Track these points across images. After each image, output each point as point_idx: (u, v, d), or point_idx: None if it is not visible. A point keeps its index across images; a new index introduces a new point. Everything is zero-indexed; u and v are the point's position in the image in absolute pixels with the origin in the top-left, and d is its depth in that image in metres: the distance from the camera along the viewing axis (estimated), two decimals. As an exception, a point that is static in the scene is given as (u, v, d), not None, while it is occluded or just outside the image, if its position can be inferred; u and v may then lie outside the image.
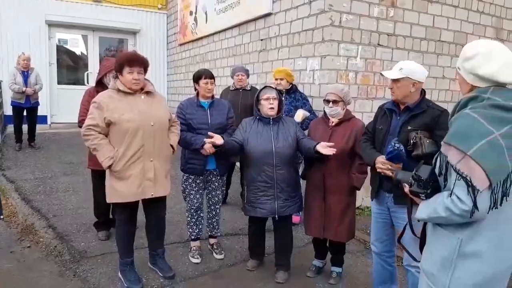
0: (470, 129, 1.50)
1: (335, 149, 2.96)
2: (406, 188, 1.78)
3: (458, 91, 6.37)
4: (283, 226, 3.44)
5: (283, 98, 4.53)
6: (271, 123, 3.31)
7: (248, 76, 5.16)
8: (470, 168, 1.47)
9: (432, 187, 1.66)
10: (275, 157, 3.21)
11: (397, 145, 2.44)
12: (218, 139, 3.17)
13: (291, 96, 4.61)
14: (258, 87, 5.40)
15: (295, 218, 4.68)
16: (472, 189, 1.47)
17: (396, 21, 5.28)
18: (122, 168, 2.97)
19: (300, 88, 5.36)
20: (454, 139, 1.53)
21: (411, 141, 2.46)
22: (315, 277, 3.54)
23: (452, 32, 5.79)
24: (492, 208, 1.50)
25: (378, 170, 2.61)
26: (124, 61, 2.98)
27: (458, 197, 1.50)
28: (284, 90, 4.59)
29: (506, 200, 1.52)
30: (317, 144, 3.05)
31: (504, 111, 1.52)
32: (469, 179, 1.47)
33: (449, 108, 6.07)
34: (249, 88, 5.06)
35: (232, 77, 5.14)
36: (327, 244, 3.53)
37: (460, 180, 1.50)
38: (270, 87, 3.43)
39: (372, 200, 2.88)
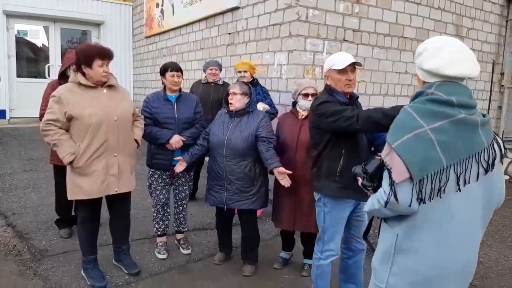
0: (402, 124, 1.52)
1: (290, 182, 3.03)
2: (359, 181, 1.79)
3: (420, 86, 6.59)
4: (246, 221, 3.46)
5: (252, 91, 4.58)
6: (234, 116, 3.35)
7: (221, 70, 5.14)
8: (392, 161, 1.49)
9: (378, 180, 1.66)
10: (225, 148, 3.25)
11: None
12: (182, 164, 3.42)
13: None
14: (227, 81, 5.39)
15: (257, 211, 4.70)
16: (391, 181, 1.49)
17: (361, 17, 5.38)
18: (84, 164, 2.89)
19: (268, 82, 5.39)
20: (388, 134, 1.56)
21: None
22: (282, 269, 3.58)
23: (414, 28, 5.96)
24: (420, 203, 1.48)
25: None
26: (95, 53, 2.88)
27: (383, 189, 1.53)
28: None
29: (440, 197, 1.48)
30: (275, 167, 3.07)
31: (443, 105, 1.49)
32: (390, 171, 1.49)
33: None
34: (221, 83, 5.05)
35: (205, 71, 5.08)
36: (300, 237, 3.57)
37: (385, 172, 1.53)
38: (239, 82, 3.45)
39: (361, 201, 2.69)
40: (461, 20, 6.53)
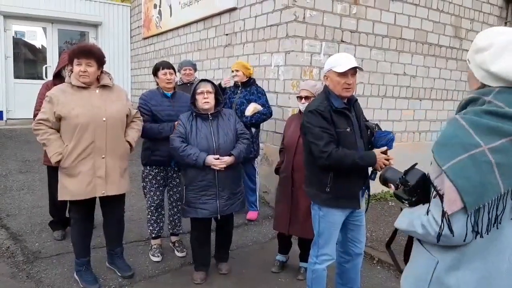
0: (454, 139, 1.25)
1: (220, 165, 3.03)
2: (392, 188, 1.59)
3: (419, 88, 6.52)
4: (228, 221, 3.41)
5: (238, 91, 4.57)
6: (210, 118, 3.17)
7: (195, 70, 5.10)
8: (443, 185, 1.25)
9: (418, 195, 1.45)
10: (216, 154, 3.07)
11: (387, 130, 2.51)
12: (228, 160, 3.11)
13: (247, 89, 4.59)
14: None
15: (252, 215, 4.67)
16: (443, 210, 1.26)
17: (359, 18, 5.34)
18: (70, 164, 2.86)
19: (265, 83, 5.35)
20: (436, 150, 1.29)
21: (376, 130, 2.54)
22: (278, 272, 3.52)
23: (412, 30, 5.92)
24: (476, 236, 1.25)
25: (382, 164, 2.42)
26: (72, 53, 2.90)
27: (433, 217, 1.29)
28: (240, 83, 4.58)
29: (497, 228, 1.24)
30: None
31: (503, 119, 1.21)
32: (442, 198, 1.26)
33: (410, 104, 6.13)
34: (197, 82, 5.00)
35: (179, 71, 5.01)
36: (297, 240, 3.52)
37: (436, 198, 1.29)
38: (205, 80, 3.24)
39: (355, 208, 2.64)
40: (459, 21, 6.50)
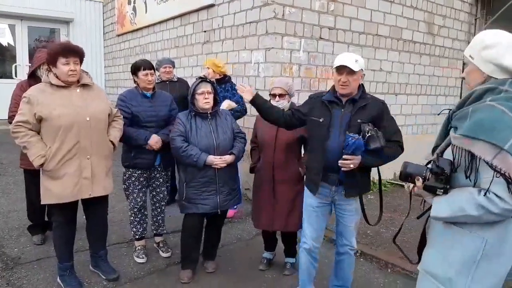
0: (499, 123, 1.41)
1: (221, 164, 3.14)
2: (419, 182, 1.64)
3: (394, 83, 6.63)
4: (221, 219, 3.47)
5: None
6: (209, 117, 3.24)
7: (174, 67, 5.07)
8: (509, 164, 1.38)
9: (451, 182, 1.57)
10: (216, 152, 3.15)
11: (355, 135, 2.43)
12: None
13: (222, 86, 4.59)
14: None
15: (230, 212, 4.66)
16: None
17: (336, 15, 5.41)
18: (55, 167, 2.77)
19: (245, 81, 5.35)
20: (483, 133, 1.43)
21: (367, 134, 2.44)
22: (266, 270, 3.54)
23: (388, 26, 6.04)
24: None
25: (343, 165, 2.49)
26: (58, 51, 2.78)
27: (497, 196, 1.42)
28: (214, 80, 4.56)
29: None
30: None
31: None
32: (508, 176, 1.39)
33: (386, 99, 6.24)
34: (176, 79, 4.98)
35: (158, 69, 4.94)
36: (280, 236, 3.55)
37: (499, 177, 1.41)
38: (205, 80, 3.29)
39: (313, 194, 2.76)
40: (432, 18, 6.67)
